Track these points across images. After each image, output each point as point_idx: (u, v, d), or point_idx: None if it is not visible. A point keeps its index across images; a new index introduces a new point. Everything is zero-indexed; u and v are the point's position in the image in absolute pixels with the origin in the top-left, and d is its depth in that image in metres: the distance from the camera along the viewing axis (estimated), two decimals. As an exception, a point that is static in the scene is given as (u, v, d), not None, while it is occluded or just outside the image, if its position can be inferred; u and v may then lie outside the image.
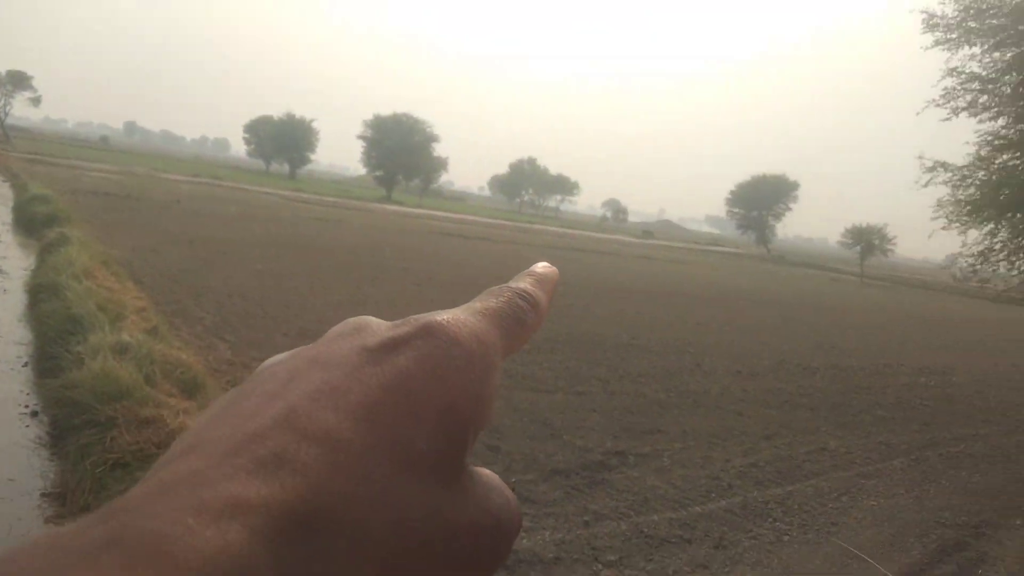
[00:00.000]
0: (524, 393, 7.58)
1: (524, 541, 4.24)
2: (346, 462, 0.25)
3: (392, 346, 0.29)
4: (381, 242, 22.92)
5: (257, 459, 0.24)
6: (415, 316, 0.32)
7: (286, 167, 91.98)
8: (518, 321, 0.34)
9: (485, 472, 0.31)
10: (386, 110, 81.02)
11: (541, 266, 0.40)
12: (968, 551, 5.07)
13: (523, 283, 0.37)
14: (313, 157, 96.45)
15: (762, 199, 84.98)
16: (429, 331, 0.30)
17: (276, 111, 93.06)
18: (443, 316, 0.31)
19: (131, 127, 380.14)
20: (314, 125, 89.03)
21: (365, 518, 0.24)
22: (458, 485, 0.28)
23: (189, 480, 0.23)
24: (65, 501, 4.02)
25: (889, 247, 62.47)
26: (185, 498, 0.22)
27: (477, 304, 0.34)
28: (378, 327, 0.32)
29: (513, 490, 0.31)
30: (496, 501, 0.30)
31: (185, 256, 13.22)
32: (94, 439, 4.43)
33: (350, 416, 0.26)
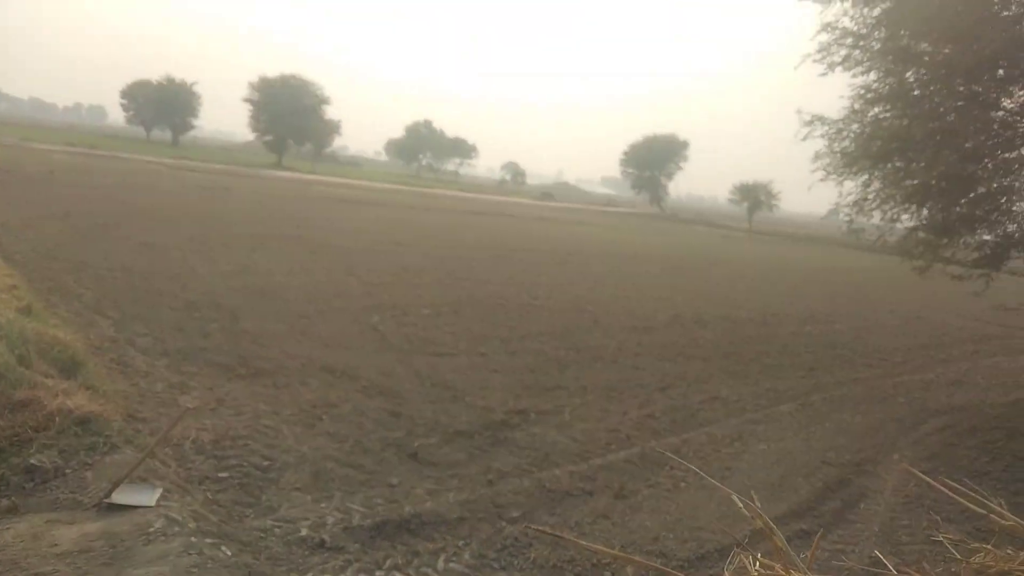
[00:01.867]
0: (425, 358, 7.52)
1: (428, 503, 4.21)
2: None
3: None
4: (272, 209, 22.18)
5: None
6: None
7: (168, 134, 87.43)
8: None
9: None
10: (273, 72, 77.17)
11: None
12: (851, 487, 5.37)
13: None
14: (197, 123, 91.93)
15: (654, 159, 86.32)
16: None
17: (155, 75, 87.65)
18: None
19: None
20: (196, 89, 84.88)
21: None
22: None
23: None
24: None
25: (775, 202, 65.10)
26: None
27: None
28: None
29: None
30: None
31: (61, 230, 12.46)
32: (-37, 427, 4.12)
33: None
